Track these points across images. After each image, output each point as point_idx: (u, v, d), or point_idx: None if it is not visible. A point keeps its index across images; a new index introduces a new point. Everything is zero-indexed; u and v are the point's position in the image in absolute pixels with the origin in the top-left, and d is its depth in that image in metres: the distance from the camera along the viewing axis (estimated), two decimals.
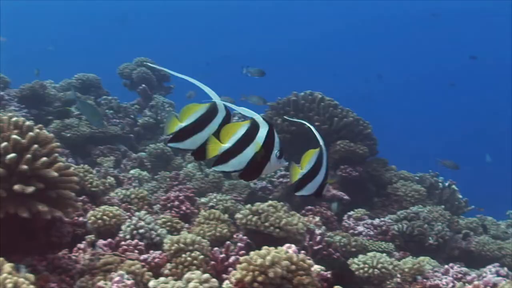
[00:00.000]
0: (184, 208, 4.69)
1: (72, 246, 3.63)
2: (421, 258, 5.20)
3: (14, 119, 3.25)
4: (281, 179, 6.46)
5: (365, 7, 38.20)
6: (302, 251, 3.28)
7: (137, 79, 9.23)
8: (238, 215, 4.39)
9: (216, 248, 3.72)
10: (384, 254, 4.52)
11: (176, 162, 7.44)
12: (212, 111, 2.32)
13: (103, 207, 4.04)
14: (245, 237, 3.95)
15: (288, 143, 6.62)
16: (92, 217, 3.94)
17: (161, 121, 8.36)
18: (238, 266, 2.80)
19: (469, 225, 7.13)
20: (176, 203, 4.70)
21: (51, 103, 8.02)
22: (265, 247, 2.86)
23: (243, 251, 3.76)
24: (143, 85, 9.05)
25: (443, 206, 6.69)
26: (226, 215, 4.52)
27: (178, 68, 2.39)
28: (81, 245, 3.65)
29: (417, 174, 7.57)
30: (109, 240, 3.79)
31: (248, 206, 4.44)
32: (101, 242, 3.76)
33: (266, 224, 4.28)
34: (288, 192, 6.33)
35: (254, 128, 2.32)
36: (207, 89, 2.33)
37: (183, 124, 2.31)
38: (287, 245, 3.08)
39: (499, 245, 6.43)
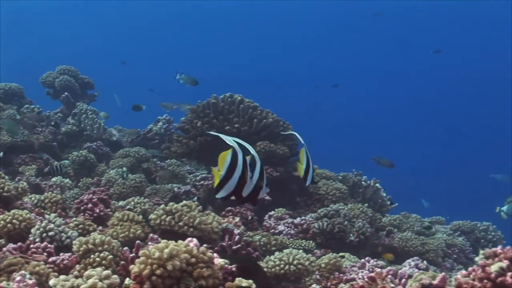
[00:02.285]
0: (97, 210, 4.65)
1: None
2: (341, 254, 5.26)
3: None
4: (202, 182, 6.46)
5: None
6: (210, 250, 3.29)
7: (60, 87, 9.15)
8: (152, 216, 4.38)
9: (125, 248, 3.71)
10: (301, 251, 4.56)
11: (100, 169, 7.39)
12: (234, 155, 2.76)
13: (13, 211, 3.99)
14: (155, 236, 3.93)
15: (209, 145, 6.65)
16: (1, 221, 3.89)
17: (85, 129, 8.29)
18: (136, 260, 2.79)
19: (393, 222, 7.23)
20: (90, 205, 4.66)
21: None
22: (164, 240, 2.86)
23: None
24: (66, 93, 8.97)
25: (366, 204, 6.76)
26: (141, 217, 4.50)
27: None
28: None
29: (340, 173, 7.65)
30: (19, 244, 3.75)
31: (162, 206, 4.44)
32: (11, 246, 3.72)
33: (180, 223, 4.29)
34: (210, 194, 6.34)
35: (235, 154, 2.75)
36: (224, 137, 2.80)
37: (222, 173, 2.74)
38: (189, 239, 3.08)
39: (422, 240, 6.54)
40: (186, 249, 2.79)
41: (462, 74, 35.87)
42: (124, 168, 7.11)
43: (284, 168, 6.65)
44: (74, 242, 3.68)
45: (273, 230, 5.84)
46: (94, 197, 4.75)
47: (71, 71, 9.35)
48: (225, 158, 2.77)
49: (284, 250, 4.52)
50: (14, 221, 3.92)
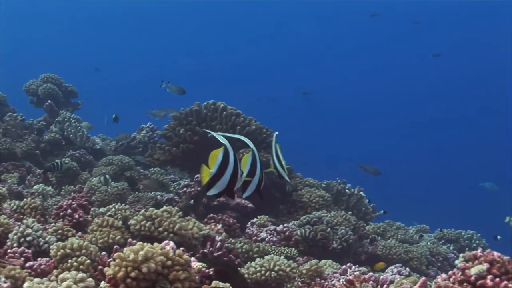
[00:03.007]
0: (77, 216, 4.61)
1: None
2: (323, 261, 5.24)
3: None
4: (184, 189, 6.42)
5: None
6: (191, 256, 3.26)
7: (43, 95, 9.11)
8: (131, 221, 4.36)
9: (103, 253, 3.68)
10: (282, 257, 4.55)
11: (83, 177, 7.34)
12: (226, 153, 2.84)
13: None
14: (134, 241, 3.90)
15: (192, 153, 6.63)
16: None
17: (68, 137, 8.24)
18: (111, 262, 2.76)
19: (376, 230, 7.22)
20: (69, 211, 4.61)
21: None
22: (139, 242, 2.84)
23: None
24: (49, 101, 8.92)
25: (350, 212, 6.74)
26: (120, 222, 4.46)
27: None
28: None
29: (323, 181, 7.63)
30: None
31: (142, 211, 4.41)
32: None
33: (160, 229, 4.26)
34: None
35: (227, 152, 2.84)
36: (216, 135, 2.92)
37: (213, 171, 2.80)
38: (166, 242, 3.06)
39: (406, 248, 6.51)
40: (162, 252, 2.77)
41: (462, 74, 35.94)
42: (107, 176, 7.06)
43: (267, 176, 6.61)
44: (51, 247, 3.64)
45: (255, 237, 5.81)
46: (73, 202, 4.71)
47: (55, 79, 9.30)
48: (216, 156, 2.84)
49: (265, 257, 4.50)
50: None
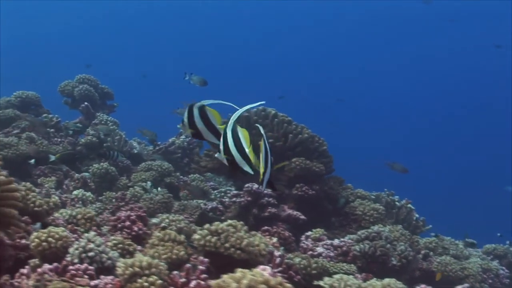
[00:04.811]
0: (136, 228, 4.31)
1: (14, 271, 3.25)
2: (387, 280, 4.93)
3: None
4: (234, 199, 6.11)
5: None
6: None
7: (79, 96, 8.82)
8: (196, 236, 4.05)
9: (175, 272, 3.38)
10: (351, 276, 4.24)
11: (122, 183, 7.06)
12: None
13: (48, 228, 3.66)
14: (206, 259, 3.60)
15: None
16: (36, 239, 3.54)
17: (105, 140, 7.96)
18: None
19: (428, 245, 6.90)
20: (128, 223, 4.31)
21: None
22: (240, 269, 2.54)
23: (204, 275, 3.42)
24: (86, 103, 8.65)
25: (400, 226, 6.45)
26: (182, 236, 4.17)
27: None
28: (24, 270, 3.27)
29: (372, 193, 7.32)
30: (55, 264, 3.42)
31: (207, 226, 4.11)
32: (47, 267, 3.39)
33: (227, 245, 3.96)
34: (241, 212, 6.03)
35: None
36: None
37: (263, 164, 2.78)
38: (262, 267, 2.76)
39: (461, 265, 6.23)
40: (263, 279, 2.47)
41: (461, 75, 35.70)
42: (149, 182, 6.79)
43: (319, 186, 6.33)
44: (118, 264, 3.35)
45: (311, 252, 5.49)
46: (132, 214, 4.40)
47: (91, 80, 9.03)
48: (261, 148, 2.75)
49: (334, 276, 4.20)
50: (49, 239, 3.59)
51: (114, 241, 3.90)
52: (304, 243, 5.66)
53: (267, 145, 2.83)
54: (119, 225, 4.33)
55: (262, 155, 2.81)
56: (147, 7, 40.56)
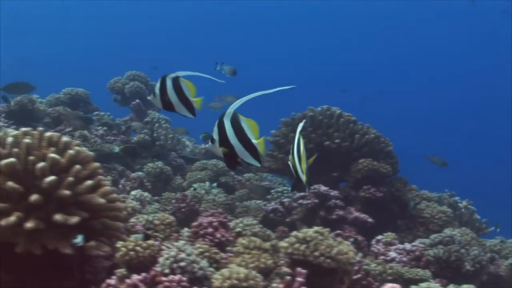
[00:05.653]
0: (219, 235, 4.13)
1: (98, 282, 3.10)
2: (465, 286, 4.77)
3: (47, 134, 2.73)
4: (301, 201, 5.93)
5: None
6: None
7: (130, 94, 8.68)
8: (282, 244, 3.88)
9: (274, 285, 3.22)
10: (438, 285, 4.07)
11: (177, 182, 6.91)
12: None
13: (134, 236, 3.51)
14: (304, 270, 3.43)
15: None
16: (123, 248, 3.40)
17: (158, 139, 7.81)
18: None
19: (493, 248, 6.70)
20: (210, 230, 4.14)
21: (41, 119, 7.48)
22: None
23: (303, 287, 3.27)
24: (137, 100, 8.50)
25: (464, 228, 6.27)
26: (268, 244, 4.01)
27: None
28: (112, 281, 3.11)
29: (433, 194, 7.13)
30: (143, 274, 3.27)
31: (295, 233, 3.94)
32: (135, 277, 3.24)
33: (316, 253, 3.79)
34: (308, 215, 5.86)
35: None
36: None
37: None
38: (390, 285, 2.59)
39: None
40: None
41: (460, 75, 35.33)
42: (207, 183, 6.64)
43: (387, 188, 6.15)
44: (215, 276, 3.19)
45: (383, 257, 5.32)
46: (214, 220, 4.23)
47: (141, 77, 8.89)
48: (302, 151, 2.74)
49: (421, 284, 4.02)
50: (137, 248, 3.44)
51: (200, 249, 3.75)
52: (375, 247, 5.49)
53: (301, 145, 2.80)
54: (201, 232, 4.16)
55: (300, 157, 2.67)
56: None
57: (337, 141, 6.13)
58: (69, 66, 31.72)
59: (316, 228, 3.99)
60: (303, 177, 2.83)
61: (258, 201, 6.30)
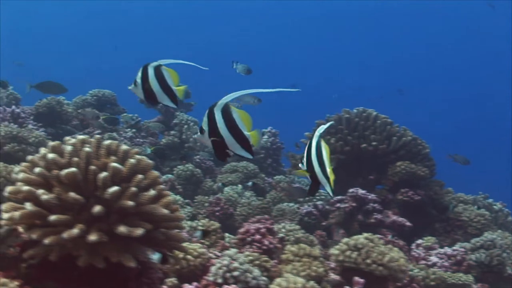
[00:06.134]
0: (266, 242, 4.04)
1: None
2: None
3: (106, 142, 2.65)
4: (338, 204, 5.84)
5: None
6: None
7: None
8: (333, 251, 3.82)
9: None
10: None
11: (207, 185, 6.82)
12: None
13: (184, 244, 3.43)
14: (361, 279, 3.35)
15: (342, 164, 6.10)
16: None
17: (186, 140, 7.73)
18: None
19: None
20: (258, 236, 4.05)
21: (68, 121, 7.42)
22: None
23: None
24: None
25: (502, 231, 6.17)
26: (317, 250, 3.92)
27: None
28: None
29: (468, 196, 7.04)
30: (195, 284, 3.20)
31: (345, 240, 3.86)
32: (187, 287, 3.16)
33: (368, 261, 3.71)
34: (346, 218, 5.77)
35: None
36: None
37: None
38: None
39: None
40: None
41: (460, 75, 35.15)
42: (239, 186, 6.56)
43: (424, 191, 6.05)
44: (271, 286, 3.11)
45: (424, 261, 5.23)
46: (261, 226, 4.13)
47: None
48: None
49: None
50: (188, 256, 3.37)
51: (250, 257, 3.66)
52: (415, 251, 5.40)
53: (323, 148, 2.54)
54: (248, 239, 4.07)
55: (322, 161, 2.53)
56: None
57: (374, 143, 6.05)
58: (96, 68, 31.78)
59: (366, 234, 3.90)
60: (327, 182, 2.65)
61: (291, 204, 6.21)
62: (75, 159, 2.47)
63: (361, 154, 6.08)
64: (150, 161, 2.69)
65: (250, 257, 3.65)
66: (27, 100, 7.68)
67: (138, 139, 7.61)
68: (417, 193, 5.94)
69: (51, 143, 2.59)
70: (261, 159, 8.14)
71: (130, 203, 2.42)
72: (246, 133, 2.44)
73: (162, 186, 2.67)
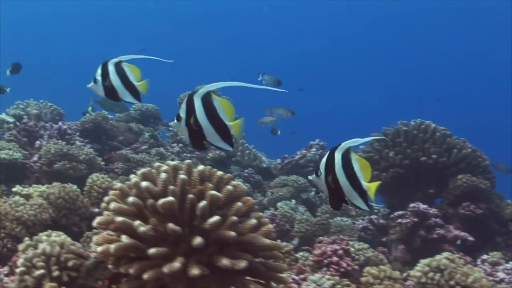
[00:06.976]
0: (344, 264, 3.91)
1: None
2: None
3: (199, 168, 2.54)
4: (399, 220, 5.70)
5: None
6: None
7: None
8: (414, 273, 3.67)
9: None
10: None
11: (257, 200, 6.70)
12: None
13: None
14: None
15: (401, 178, 5.97)
16: None
17: (234, 154, 7.62)
18: None
19: None
20: (335, 258, 3.92)
21: (114, 136, 7.34)
22: None
23: None
24: None
25: None
26: (397, 272, 3.78)
27: None
28: None
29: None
30: None
31: (427, 261, 3.72)
32: None
33: (451, 282, 3.58)
34: (407, 234, 5.62)
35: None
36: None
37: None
38: None
39: None
40: None
41: (460, 75, 34.84)
42: (293, 201, 6.44)
43: (486, 205, 5.90)
44: None
45: (491, 278, 5.07)
46: (338, 248, 4.01)
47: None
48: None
49: None
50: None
51: (331, 281, 3.53)
52: (481, 267, 5.25)
53: (352, 160, 2.35)
54: (325, 261, 3.95)
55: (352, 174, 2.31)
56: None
57: (434, 156, 5.90)
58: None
59: (446, 254, 3.77)
60: (358, 196, 2.42)
61: (344, 219, 6.09)
62: (171, 187, 2.36)
63: (420, 167, 5.94)
64: (244, 187, 2.57)
65: (332, 281, 3.53)
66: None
67: (185, 154, 7.51)
68: (478, 206, 5.80)
69: (141, 170, 2.50)
70: (310, 172, 8.02)
71: (232, 233, 2.30)
72: (227, 123, 2.35)
73: (260, 214, 2.56)
